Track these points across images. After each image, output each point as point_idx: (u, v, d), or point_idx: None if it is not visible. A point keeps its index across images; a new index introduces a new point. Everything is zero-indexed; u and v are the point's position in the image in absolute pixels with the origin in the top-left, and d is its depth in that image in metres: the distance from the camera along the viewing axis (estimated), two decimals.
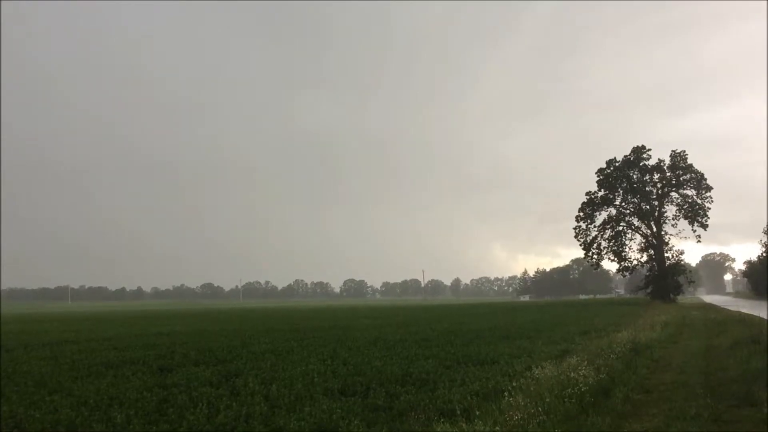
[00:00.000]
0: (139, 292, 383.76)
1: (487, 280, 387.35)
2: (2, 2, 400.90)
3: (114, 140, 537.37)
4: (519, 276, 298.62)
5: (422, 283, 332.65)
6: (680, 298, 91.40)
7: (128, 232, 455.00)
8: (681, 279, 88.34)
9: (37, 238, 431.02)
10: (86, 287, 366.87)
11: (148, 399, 12.59)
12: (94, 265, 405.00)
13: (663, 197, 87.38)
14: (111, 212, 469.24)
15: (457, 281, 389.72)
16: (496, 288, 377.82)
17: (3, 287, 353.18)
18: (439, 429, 9.85)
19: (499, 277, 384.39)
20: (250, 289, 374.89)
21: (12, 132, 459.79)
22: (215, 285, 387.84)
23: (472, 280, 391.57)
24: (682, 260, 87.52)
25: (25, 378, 16.13)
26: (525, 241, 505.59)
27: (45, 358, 20.99)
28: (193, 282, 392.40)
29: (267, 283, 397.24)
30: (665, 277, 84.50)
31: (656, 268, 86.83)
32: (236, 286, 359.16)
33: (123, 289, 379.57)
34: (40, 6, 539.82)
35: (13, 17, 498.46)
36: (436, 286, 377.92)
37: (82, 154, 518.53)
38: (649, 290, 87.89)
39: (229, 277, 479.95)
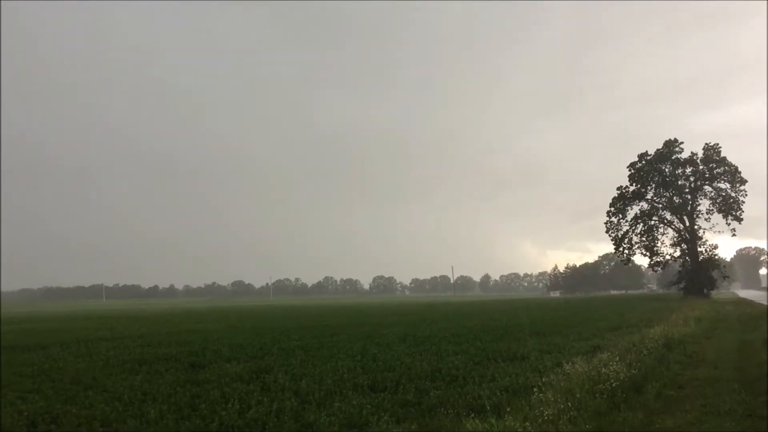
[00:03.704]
0: (171, 290, 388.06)
1: (517, 276, 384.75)
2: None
3: (146, 145, 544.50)
4: (549, 272, 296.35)
5: (451, 279, 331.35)
6: (714, 294, 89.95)
7: (161, 231, 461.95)
8: (715, 274, 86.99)
9: (73, 238, 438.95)
10: (120, 285, 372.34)
11: (181, 395, 12.75)
12: (127, 264, 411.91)
13: (696, 191, 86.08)
14: (144, 213, 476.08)
15: (486, 277, 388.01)
16: (525, 284, 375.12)
17: (39, 287, 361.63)
18: (468, 425, 9.82)
19: (529, 273, 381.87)
20: (280, 287, 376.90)
21: (45, 136, 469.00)
22: (246, 283, 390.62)
23: (501, 276, 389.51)
24: (715, 255, 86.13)
25: (61, 374, 16.46)
26: (555, 237, 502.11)
27: (80, 355, 21.37)
28: (224, 280, 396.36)
29: (297, 280, 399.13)
30: (698, 272, 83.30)
31: (689, 263, 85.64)
32: (267, 284, 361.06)
33: (156, 287, 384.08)
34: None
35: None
36: (465, 282, 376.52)
37: (117, 160, 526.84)
38: (682, 285, 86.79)
39: (260, 274, 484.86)
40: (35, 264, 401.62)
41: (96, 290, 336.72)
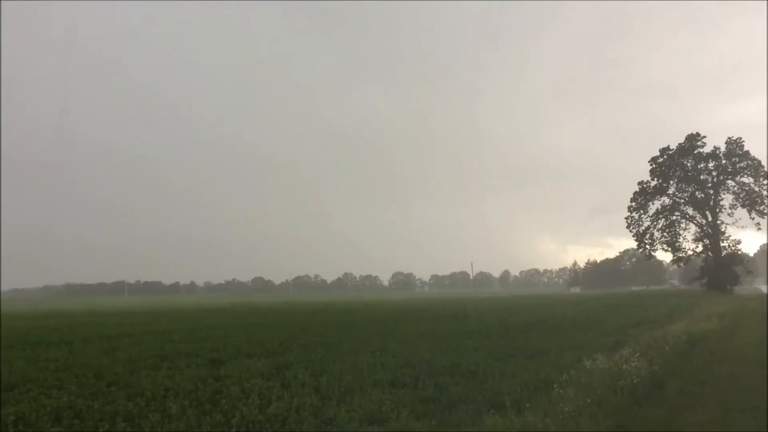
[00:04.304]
0: (192, 287, 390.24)
1: (537, 272, 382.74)
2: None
3: (163, 144, 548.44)
4: (569, 268, 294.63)
5: (471, 275, 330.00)
6: (737, 289, 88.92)
7: (181, 229, 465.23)
8: (738, 269, 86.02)
9: (95, 236, 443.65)
10: (141, 282, 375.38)
11: (202, 390, 12.84)
12: (149, 261, 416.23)
13: (719, 185, 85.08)
14: (165, 211, 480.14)
15: (506, 273, 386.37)
16: (545, 280, 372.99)
17: (61, 283, 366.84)
18: (489, 421, 9.82)
19: (549, 268, 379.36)
20: (299, 283, 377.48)
21: (62, 137, 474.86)
22: (266, 279, 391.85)
23: (521, 272, 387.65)
24: (739, 250, 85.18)
25: (84, 370, 16.61)
26: (575, 233, 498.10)
27: (103, 351, 21.56)
28: (245, 276, 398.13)
29: (316, 276, 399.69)
30: (721, 268, 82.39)
31: (712, 258, 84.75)
32: (286, 280, 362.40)
33: (177, 283, 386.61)
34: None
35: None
36: (484, 278, 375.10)
37: (135, 159, 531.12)
38: (704, 281, 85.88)
39: (280, 271, 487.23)
40: (57, 261, 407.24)
41: (118, 287, 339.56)
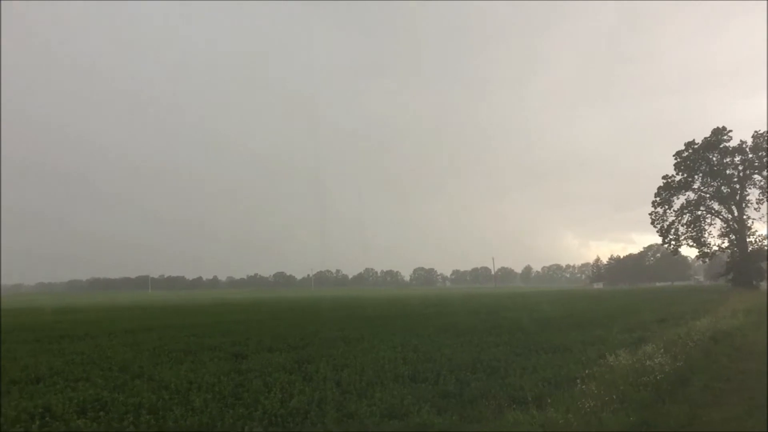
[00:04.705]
0: (215, 282, 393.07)
1: (559, 267, 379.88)
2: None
3: (189, 142, 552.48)
4: (591, 263, 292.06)
5: (492, 270, 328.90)
6: (764, 285, 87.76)
7: (205, 224, 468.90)
8: (765, 265, 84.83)
9: (118, 231, 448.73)
10: (165, 277, 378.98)
11: (225, 384, 12.96)
12: (172, 256, 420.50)
13: (745, 180, 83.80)
14: (187, 207, 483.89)
15: (527, 269, 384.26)
16: (567, 275, 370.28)
17: (87, 277, 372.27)
18: (510, 416, 9.80)
19: (571, 264, 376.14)
20: (321, 278, 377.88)
21: (81, 140, 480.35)
22: (287, 274, 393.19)
23: (543, 268, 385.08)
24: (765, 245, 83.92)
25: (109, 363, 16.86)
26: (598, 228, 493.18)
27: (127, 345, 21.86)
28: (266, 271, 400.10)
29: (338, 271, 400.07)
30: (747, 263, 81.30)
31: (738, 253, 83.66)
32: (308, 275, 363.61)
33: (200, 278, 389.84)
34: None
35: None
36: (506, 273, 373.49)
37: (157, 157, 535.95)
38: (730, 277, 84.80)
39: (301, 266, 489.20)
40: (82, 256, 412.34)
41: (142, 281, 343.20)
